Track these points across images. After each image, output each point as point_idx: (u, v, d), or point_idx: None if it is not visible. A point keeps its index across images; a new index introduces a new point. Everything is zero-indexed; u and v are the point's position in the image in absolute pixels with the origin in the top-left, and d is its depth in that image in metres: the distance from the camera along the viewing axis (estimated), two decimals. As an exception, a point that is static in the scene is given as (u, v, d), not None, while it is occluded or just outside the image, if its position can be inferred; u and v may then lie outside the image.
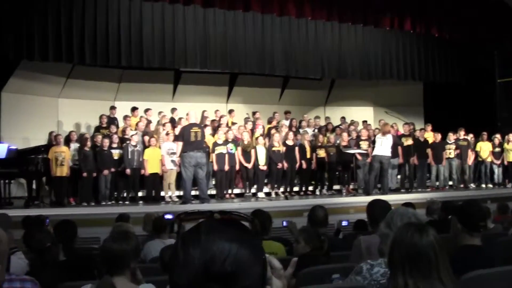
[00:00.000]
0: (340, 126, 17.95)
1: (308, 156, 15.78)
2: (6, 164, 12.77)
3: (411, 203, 7.92)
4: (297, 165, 15.55)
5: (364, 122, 18.17)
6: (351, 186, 16.11)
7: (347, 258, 5.45)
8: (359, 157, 15.34)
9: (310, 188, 16.23)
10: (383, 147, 14.76)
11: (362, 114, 19.86)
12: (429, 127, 17.56)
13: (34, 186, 13.49)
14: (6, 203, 12.84)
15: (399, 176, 16.70)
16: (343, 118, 18.76)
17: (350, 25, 18.19)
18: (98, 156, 13.62)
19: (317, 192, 16.09)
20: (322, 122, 18.43)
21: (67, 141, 14.09)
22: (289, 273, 1.63)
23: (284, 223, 7.88)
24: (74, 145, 14.00)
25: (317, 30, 17.88)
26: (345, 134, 16.33)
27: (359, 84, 19.94)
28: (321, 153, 15.90)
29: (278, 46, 17.22)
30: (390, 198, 10.03)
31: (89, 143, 13.66)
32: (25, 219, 7.69)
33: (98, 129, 15.20)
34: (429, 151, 16.63)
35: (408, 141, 16.24)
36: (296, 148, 15.51)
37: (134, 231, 7.09)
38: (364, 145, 15.55)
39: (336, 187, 16.42)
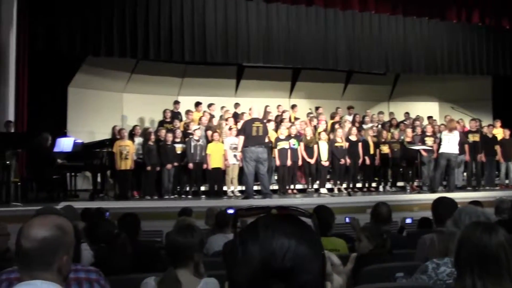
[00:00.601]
0: (404, 122, 17.63)
1: (372, 152, 15.62)
2: (72, 157, 13.08)
3: (478, 202, 7.75)
4: (360, 161, 15.36)
5: (430, 117, 17.78)
6: (415, 183, 15.86)
7: (411, 257, 5.37)
8: (424, 153, 15.07)
9: (373, 184, 16.08)
10: (451, 144, 14.42)
11: (427, 109, 19.45)
12: (498, 123, 17.00)
13: (99, 179, 13.78)
14: (72, 196, 13.16)
15: (465, 174, 16.29)
16: (407, 113, 18.41)
17: (415, 18, 17.88)
18: (161, 150, 13.79)
19: (381, 189, 15.97)
20: (386, 118, 18.16)
21: (131, 135, 14.33)
22: (348, 269, 1.61)
23: (347, 220, 7.81)
24: (138, 139, 14.22)
25: (381, 24, 17.67)
26: (409, 130, 16.08)
27: (425, 79, 19.56)
28: (385, 149, 15.73)
29: (341, 41, 17.09)
30: (456, 196, 9.79)
31: (153, 137, 13.85)
32: (84, 211, 7.83)
33: (162, 123, 15.37)
34: (497, 148, 16.14)
35: (475, 138, 15.82)
36: (360, 144, 15.33)
37: (198, 225, 7.17)
38: (429, 141, 15.24)
39: (400, 183, 16.17)
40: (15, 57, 13.17)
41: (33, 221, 2.48)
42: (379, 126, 17.11)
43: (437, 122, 17.33)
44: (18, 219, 7.49)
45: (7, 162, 11.51)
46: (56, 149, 13.01)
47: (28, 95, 13.76)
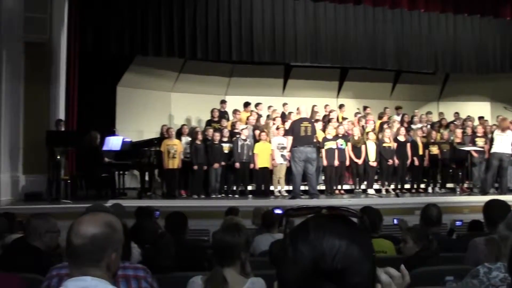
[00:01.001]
0: (454, 122, 17.32)
1: (421, 152, 15.40)
2: (120, 156, 13.26)
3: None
4: (409, 161, 15.20)
5: (481, 118, 17.44)
6: (465, 185, 15.59)
7: (461, 260, 5.28)
8: (474, 154, 14.77)
9: (422, 185, 15.83)
10: (503, 144, 14.13)
11: (478, 109, 19.04)
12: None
13: (146, 178, 13.93)
14: (120, 194, 13.32)
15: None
16: (456, 113, 18.11)
17: (466, 16, 17.60)
18: (209, 150, 13.85)
19: (429, 190, 15.71)
20: (435, 118, 17.90)
21: (179, 134, 14.40)
22: (407, 282, 1.59)
23: (395, 221, 7.71)
24: (186, 139, 14.30)
25: (431, 23, 17.48)
26: (459, 131, 15.78)
27: (476, 78, 19.18)
28: (434, 149, 15.48)
29: (389, 40, 16.97)
30: (509, 198, 9.61)
31: (200, 137, 13.91)
32: (137, 210, 7.90)
33: (209, 122, 15.40)
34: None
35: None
36: (408, 144, 15.16)
37: (244, 225, 7.17)
38: (480, 142, 14.94)
39: (449, 185, 15.91)
40: (66, 57, 13.40)
41: (83, 218, 2.51)
42: (428, 126, 16.85)
43: (488, 123, 16.97)
44: (68, 216, 7.58)
45: (58, 157, 11.71)
46: (105, 148, 13.21)
47: (78, 95, 14.03)
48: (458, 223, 7.74)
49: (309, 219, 1.44)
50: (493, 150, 14.24)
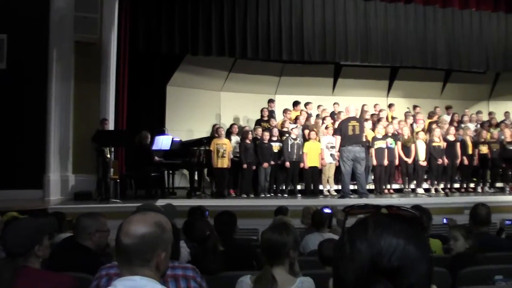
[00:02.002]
0: (505, 121, 16.96)
1: (470, 152, 15.09)
2: (170, 155, 13.28)
3: None
4: (458, 161, 14.92)
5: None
6: (515, 184, 15.29)
7: (511, 259, 5.19)
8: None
9: (472, 185, 15.56)
10: None
11: (528, 109, 18.65)
12: None
13: (196, 177, 13.97)
14: (170, 193, 13.38)
15: None
16: (507, 113, 17.73)
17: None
18: (258, 149, 13.72)
19: (479, 190, 15.39)
20: (485, 117, 17.53)
21: (228, 133, 14.36)
22: None
23: (444, 221, 7.60)
24: (235, 138, 14.17)
25: (482, 21, 17.14)
26: (508, 130, 15.49)
27: (527, 78, 18.75)
28: (484, 149, 15.20)
29: (440, 39, 16.70)
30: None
31: (250, 136, 13.80)
32: (190, 210, 7.95)
33: (258, 122, 15.32)
34: None
35: None
36: (458, 144, 14.90)
37: (293, 224, 7.13)
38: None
39: (499, 184, 15.62)
40: (116, 56, 13.42)
41: (132, 218, 2.50)
42: (478, 125, 16.55)
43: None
44: (117, 216, 7.63)
45: (107, 157, 11.69)
46: (154, 147, 13.23)
47: (128, 94, 13.98)
48: (507, 222, 7.60)
49: (368, 217, 1.44)
50: None
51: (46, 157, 12.58)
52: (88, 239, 4.59)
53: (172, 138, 13.67)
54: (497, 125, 16.69)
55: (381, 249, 1.32)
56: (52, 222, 6.96)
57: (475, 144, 15.29)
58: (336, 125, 14.15)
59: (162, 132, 14.28)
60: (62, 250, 4.74)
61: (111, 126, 12.87)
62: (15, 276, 3.49)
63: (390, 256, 1.31)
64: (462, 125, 16.21)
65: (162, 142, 13.39)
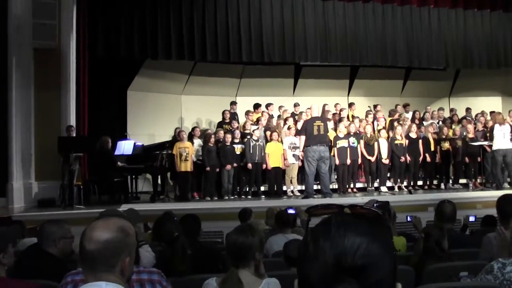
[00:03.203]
0: (466, 117, 17.24)
1: (432, 149, 15.39)
2: (132, 160, 13.36)
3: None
4: (421, 158, 15.21)
5: (492, 112, 17.37)
6: (478, 180, 15.53)
7: (475, 256, 5.27)
8: (488, 149, 14.77)
9: (435, 182, 15.80)
10: (505, 139, 14.18)
11: (489, 104, 18.97)
12: None
13: (159, 181, 13.97)
14: (133, 198, 13.38)
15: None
16: (468, 109, 18.07)
17: (476, 11, 17.56)
18: (221, 151, 13.85)
19: (442, 186, 15.65)
20: (447, 114, 17.83)
21: (191, 136, 14.40)
22: None
23: (408, 218, 7.70)
24: (198, 141, 14.26)
25: (441, 18, 17.38)
26: (470, 126, 15.72)
27: (487, 73, 19.01)
28: (446, 145, 15.45)
29: (400, 37, 16.91)
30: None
31: (212, 139, 13.90)
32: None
33: (220, 124, 15.43)
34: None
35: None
36: (420, 141, 15.17)
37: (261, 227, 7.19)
38: (492, 137, 14.92)
39: (462, 181, 15.84)
40: (75, 62, 13.48)
41: (95, 224, 2.53)
42: (440, 122, 16.82)
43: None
44: (81, 222, 7.63)
45: (71, 163, 11.80)
46: (117, 152, 13.28)
47: (89, 100, 14.06)
48: (471, 218, 7.71)
49: (331, 217, 1.46)
50: (495, 147, 14.27)
51: (9, 165, 12.62)
52: (53, 246, 4.65)
53: (134, 143, 13.77)
54: (459, 121, 16.89)
55: (345, 248, 1.34)
56: (16, 230, 6.98)
57: (437, 141, 15.51)
58: (298, 126, 14.22)
59: (124, 137, 14.34)
60: (27, 257, 4.78)
61: (73, 132, 12.92)
62: None
63: (354, 255, 1.33)
64: (424, 122, 16.41)
65: (124, 147, 13.46)
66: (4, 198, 12.52)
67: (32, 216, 10.64)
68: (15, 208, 12.10)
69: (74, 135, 12.79)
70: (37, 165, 12.86)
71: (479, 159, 15.17)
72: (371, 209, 1.49)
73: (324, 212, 1.52)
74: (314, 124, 13.13)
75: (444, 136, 15.61)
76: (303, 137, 13.31)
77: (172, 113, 17.22)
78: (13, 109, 12.64)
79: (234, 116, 15.84)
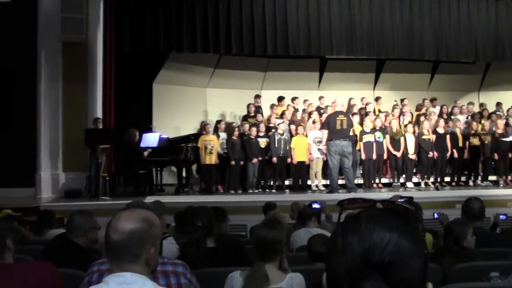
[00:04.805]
0: (496, 112, 17.05)
1: (461, 144, 15.26)
2: (158, 152, 13.54)
3: None
4: (448, 154, 15.11)
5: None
6: (509, 177, 15.38)
7: (506, 255, 5.20)
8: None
9: (463, 178, 15.71)
10: None
11: (521, 99, 18.71)
12: None
13: (184, 174, 14.09)
14: (158, 190, 13.57)
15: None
16: (499, 103, 17.82)
17: (509, 1, 17.19)
18: (246, 145, 14.00)
19: (470, 183, 15.56)
20: (476, 109, 17.62)
21: (216, 130, 14.53)
22: None
23: (435, 215, 7.63)
24: (223, 134, 14.43)
25: (470, 10, 17.05)
26: (500, 121, 15.56)
27: (518, 66, 18.79)
28: (475, 141, 15.31)
29: (427, 29, 16.68)
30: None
31: (236, 132, 14.03)
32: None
33: (245, 118, 15.58)
34: None
35: None
36: (447, 136, 15.07)
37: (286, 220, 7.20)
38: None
39: (491, 177, 15.71)
40: (102, 55, 13.88)
41: (121, 214, 2.58)
42: (469, 117, 16.64)
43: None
44: (107, 213, 7.76)
45: (98, 155, 12.23)
46: (142, 144, 13.46)
47: (115, 92, 14.44)
48: (502, 217, 7.60)
49: (362, 211, 1.45)
50: None
51: (37, 156, 13.20)
52: (81, 236, 4.74)
53: (160, 135, 13.89)
54: (489, 116, 16.71)
55: (373, 243, 1.33)
56: (44, 219, 7.22)
57: (466, 136, 15.38)
58: (323, 119, 14.21)
59: (149, 129, 14.54)
60: (54, 246, 4.87)
61: (100, 125, 13.29)
62: None
63: (382, 251, 1.32)
64: (452, 117, 16.25)
65: (150, 140, 13.69)
66: (32, 188, 13.06)
67: (59, 206, 10.98)
68: (43, 198, 12.60)
69: (101, 127, 13.11)
70: (64, 157, 13.36)
71: (510, 155, 14.99)
72: (404, 205, 1.48)
73: (356, 206, 1.53)
74: (337, 118, 13.18)
75: (473, 132, 15.41)
76: (325, 131, 13.34)
77: (197, 106, 17.32)
78: (41, 102, 13.23)
79: (258, 109, 15.93)
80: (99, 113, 13.51)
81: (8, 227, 4.25)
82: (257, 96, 16.50)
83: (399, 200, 6.38)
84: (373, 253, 1.32)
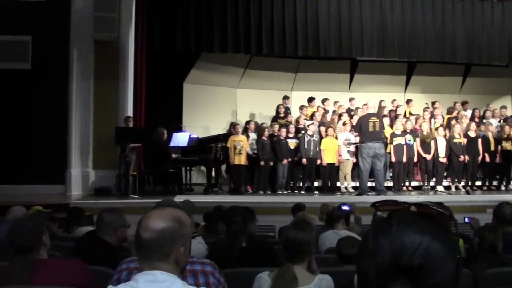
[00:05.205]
0: (530, 116, 16.76)
1: (493, 148, 15.05)
2: (187, 152, 13.54)
3: None
4: (480, 157, 14.90)
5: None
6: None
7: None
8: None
9: (494, 182, 15.47)
10: None
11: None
12: None
13: (213, 174, 14.11)
14: (187, 189, 13.59)
15: None
16: (532, 107, 17.57)
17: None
18: (276, 146, 13.94)
19: (502, 188, 15.31)
20: (509, 112, 17.36)
21: (245, 130, 14.52)
22: None
23: (466, 220, 7.54)
24: (252, 135, 14.40)
25: (504, 12, 16.82)
26: (534, 125, 15.32)
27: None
28: (507, 145, 15.07)
29: (459, 32, 16.51)
30: None
31: (266, 133, 13.99)
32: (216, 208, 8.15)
33: (275, 118, 15.53)
34: None
35: None
36: (479, 140, 14.87)
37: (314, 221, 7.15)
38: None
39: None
40: (134, 54, 13.93)
41: (151, 213, 2.57)
42: (501, 121, 16.40)
43: None
44: (136, 211, 7.82)
45: (127, 153, 12.24)
46: (172, 144, 13.53)
47: (146, 91, 14.50)
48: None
49: (394, 213, 1.44)
50: None
51: (68, 154, 13.27)
52: (111, 233, 4.77)
53: (189, 135, 13.93)
54: (522, 120, 16.42)
55: (403, 246, 1.31)
56: (45, 214, 7.31)
57: (498, 140, 15.15)
58: (353, 121, 14.16)
59: (179, 129, 14.57)
60: (84, 244, 4.94)
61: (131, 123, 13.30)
62: (32, 269, 3.60)
63: (412, 254, 1.30)
64: (484, 121, 16.04)
65: (180, 139, 13.75)
66: (62, 185, 13.13)
67: (88, 203, 11.06)
68: (73, 196, 12.67)
69: (132, 126, 13.11)
70: (94, 154, 13.44)
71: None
72: (438, 209, 1.44)
73: (390, 208, 1.49)
74: (370, 120, 13.09)
75: (505, 136, 15.19)
76: (357, 134, 13.32)
77: (227, 106, 17.38)
78: (73, 100, 13.29)
79: (287, 110, 15.88)
80: (130, 112, 13.54)
81: (45, 223, 4.32)
82: (286, 97, 16.45)
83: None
84: (402, 255, 1.30)
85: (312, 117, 15.29)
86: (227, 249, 4.91)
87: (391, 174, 14.74)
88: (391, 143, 14.21)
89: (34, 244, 3.78)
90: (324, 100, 16.34)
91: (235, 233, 5.08)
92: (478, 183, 15.33)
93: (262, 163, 13.79)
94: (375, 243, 1.36)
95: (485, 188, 15.30)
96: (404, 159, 14.24)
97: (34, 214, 7.29)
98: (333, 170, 14.33)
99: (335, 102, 16.57)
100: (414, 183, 15.07)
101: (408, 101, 17.15)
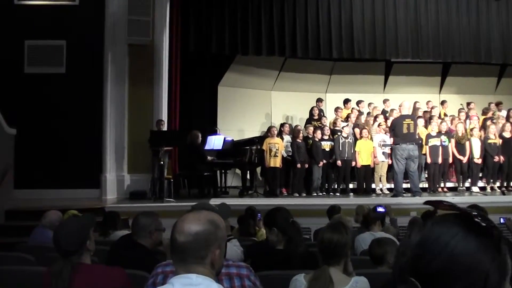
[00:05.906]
0: None
1: (528, 149, 14.81)
2: (222, 155, 13.52)
3: None
4: (515, 158, 14.67)
5: None
6: None
7: None
8: None
9: (530, 183, 15.20)
10: None
11: None
12: None
13: (248, 176, 14.08)
14: (222, 192, 13.56)
15: None
16: None
17: None
18: (313, 148, 13.84)
19: (538, 188, 15.05)
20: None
21: (280, 132, 14.45)
22: None
23: (502, 220, 7.43)
24: (287, 137, 14.29)
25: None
26: None
27: None
28: (543, 145, 14.85)
29: (494, 32, 16.29)
30: None
31: (301, 135, 13.90)
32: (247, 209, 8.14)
33: (309, 121, 15.41)
34: None
35: None
36: (515, 141, 14.65)
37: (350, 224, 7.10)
38: None
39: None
40: (168, 58, 13.85)
41: (186, 216, 2.55)
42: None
43: None
44: (171, 214, 7.80)
45: (161, 157, 12.11)
46: (207, 147, 13.50)
47: (180, 94, 14.43)
48: None
49: (435, 217, 1.38)
50: None
51: (103, 158, 13.26)
52: (147, 237, 4.77)
53: (224, 138, 13.91)
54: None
55: (426, 250, 1.28)
56: (92, 217, 7.27)
57: (534, 141, 14.88)
58: (388, 123, 14.05)
59: (214, 132, 14.53)
60: (120, 247, 4.91)
61: (164, 126, 13.23)
62: (73, 274, 3.61)
63: (431, 259, 1.26)
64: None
65: (214, 142, 13.69)
66: (97, 190, 13.13)
67: (123, 207, 10.94)
68: (108, 200, 12.63)
69: (164, 129, 13.07)
70: (129, 158, 13.38)
71: None
72: (485, 220, 1.35)
73: (440, 208, 1.43)
74: (404, 122, 12.95)
75: (542, 136, 14.95)
76: (392, 135, 13.21)
77: (261, 109, 17.37)
78: (108, 103, 13.26)
79: (321, 112, 15.78)
80: (164, 115, 13.48)
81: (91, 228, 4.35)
82: (319, 100, 16.36)
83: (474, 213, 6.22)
84: (421, 259, 1.27)
85: (347, 119, 15.19)
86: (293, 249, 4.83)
87: (426, 175, 14.57)
88: (426, 144, 14.04)
89: (77, 248, 3.78)
90: (358, 102, 16.20)
91: (292, 236, 5.02)
92: (514, 184, 15.09)
93: (298, 165, 13.69)
94: (403, 244, 1.36)
95: (520, 188, 15.06)
96: (440, 160, 14.05)
97: (82, 217, 7.35)
98: (368, 172, 14.17)
99: (370, 104, 16.40)
100: (449, 184, 14.87)
101: (442, 102, 16.90)
